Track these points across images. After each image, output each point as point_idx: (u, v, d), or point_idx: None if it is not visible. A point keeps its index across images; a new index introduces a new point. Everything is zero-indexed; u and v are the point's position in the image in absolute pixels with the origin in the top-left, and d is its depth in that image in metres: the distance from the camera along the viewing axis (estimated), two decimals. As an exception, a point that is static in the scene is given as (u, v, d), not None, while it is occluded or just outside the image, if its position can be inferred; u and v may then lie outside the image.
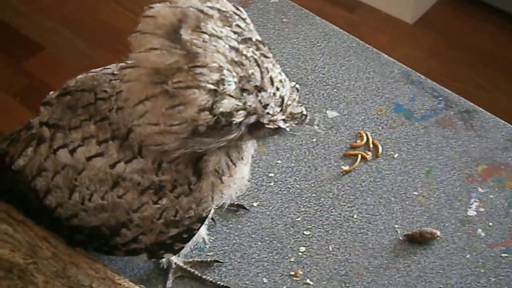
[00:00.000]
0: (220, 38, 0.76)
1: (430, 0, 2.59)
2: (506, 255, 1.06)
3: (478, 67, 2.40)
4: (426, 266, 1.06)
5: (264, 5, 1.41)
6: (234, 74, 0.76)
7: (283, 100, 0.81)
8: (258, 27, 1.36)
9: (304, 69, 1.30)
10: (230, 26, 0.78)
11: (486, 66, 2.40)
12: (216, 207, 0.95)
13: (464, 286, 1.03)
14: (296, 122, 0.84)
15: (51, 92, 0.94)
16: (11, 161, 0.94)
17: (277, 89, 0.80)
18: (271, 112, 0.79)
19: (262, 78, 0.78)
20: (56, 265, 0.91)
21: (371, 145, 1.19)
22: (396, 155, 1.18)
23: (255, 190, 1.14)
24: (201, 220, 0.92)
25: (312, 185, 1.15)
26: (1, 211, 0.94)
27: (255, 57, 0.78)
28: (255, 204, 1.13)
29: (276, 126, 0.81)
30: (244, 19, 0.80)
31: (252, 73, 0.77)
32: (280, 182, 1.15)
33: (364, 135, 1.20)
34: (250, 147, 0.91)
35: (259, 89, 0.77)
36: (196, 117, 0.75)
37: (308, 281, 1.04)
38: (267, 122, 0.80)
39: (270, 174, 1.16)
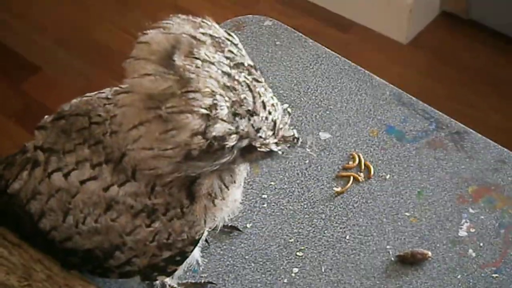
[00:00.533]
0: (212, 63, 0.78)
1: (424, 21, 2.61)
2: (496, 275, 1.07)
3: (472, 86, 2.42)
4: (417, 287, 1.06)
5: (257, 28, 1.43)
6: (227, 98, 0.77)
7: (275, 124, 0.82)
8: (252, 49, 1.38)
9: (297, 91, 1.32)
10: (222, 51, 0.80)
11: (480, 85, 2.42)
12: (209, 230, 0.96)
13: (455, 307, 1.04)
14: (288, 145, 0.85)
15: (46, 116, 0.95)
16: (6, 185, 0.95)
17: (269, 113, 0.81)
18: (263, 136, 0.81)
19: (254, 102, 0.79)
20: (50, 288, 0.92)
21: (363, 167, 1.20)
22: (388, 176, 1.20)
23: (249, 212, 1.15)
24: (194, 243, 0.93)
25: (305, 206, 1.16)
26: (-4, 234, 0.95)
27: (247, 82, 0.79)
28: (248, 225, 1.14)
29: (268, 150, 0.83)
30: (236, 45, 0.82)
31: (245, 98, 0.78)
32: (273, 204, 1.16)
33: (356, 156, 1.22)
34: (242, 171, 0.92)
35: (252, 113, 0.79)
36: (189, 141, 0.76)
37: (301, 302, 1.05)
38: (259, 145, 0.81)
39: (264, 196, 1.17)
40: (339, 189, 1.18)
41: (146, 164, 0.82)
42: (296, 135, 0.85)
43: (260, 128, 0.80)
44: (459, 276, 1.07)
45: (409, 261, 1.09)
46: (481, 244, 1.11)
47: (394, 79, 2.35)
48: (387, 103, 1.30)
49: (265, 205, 1.16)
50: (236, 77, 0.79)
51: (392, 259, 1.10)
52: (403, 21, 2.52)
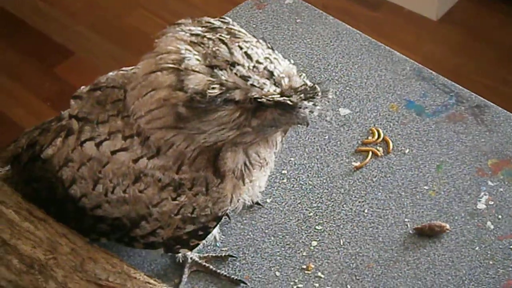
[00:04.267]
0: (182, 30, 0.84)
1: (455, -4, 2.59)
2: (514, 247, 1.08)
3: (506, 62, 2.39)
4: (435, 259, 1.08)
5: (278, 7, 1.44)
6: (195, 52, 0.81)
7: (271, 73, 0.82)
8: (273, 28, 1.40)
9: (317, 68, 1.33)
10: (201, 25, 0.85)
11: (513, 61, 2.39)
12: (231, 210, 0.98)
13: (473, 278, 1.05)
14: (303, 96, 0.82)
15: (82, 87, 0.99)
16: (40, 150, 0.98)
17: (258, 62, 0.82)
18: (256, 85, 0.81)
19: (231, 53, 0.81)
20: (74, 260, 0.95)
21: (383, 141, 1.21)
22: (407, 151, 1.20)
23: (269, 187, 1.17)
24: (217, 219, 0.95)
25: (324, 181, 1.18)
26: (23, 209, 0.99)
27: (221, 38, 0.83)
28: (268, 200, 1.16)
29: (273, 100, 0.81)
30: (226, 23, 0.86)
31: (217, 50, 0.81)
32: (293, 179, 1.18)
33: (376, 131, 1.22)
34: (269, 150, 0.93)
35: (232, 63, 0.81)
36: (167, 96, 0.81)
37: (319, 274, 1.07)
38: (259, 96, 0.81)
39: (283, 171, 1.19)
40: (358, 163, 1.19)
41: (151, 133, 0.86)
42: (309, 83, 0.83)
43: (249, 77, 0.81)
44: (477, 248, 1.08)
45: (427, 234, 1.10)
46: (500, 216, 1.11)
47: (426, 56, 2.36)
48: (407, 78, 1.30)
49: (284, 180, 1.18)
50: (208, 36, 0.83)
51: (410, 232, 1.11)
52: (433, -3, 2.50)
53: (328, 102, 0.77)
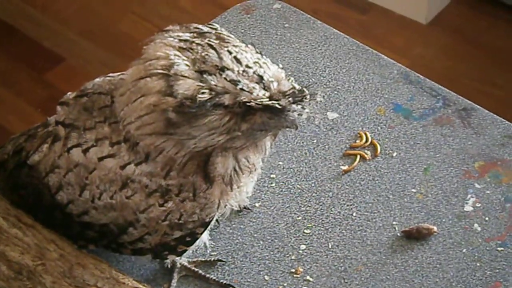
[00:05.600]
0: (171, 36, 0.84)
1: (444, 0, 2.60)
2: (501, 248, 1.08)
3: (495, 65, 2.40)
4: (423, 261, 1.08)
5: (266, 11, 1.45)
6: (184, 58, 0.82)
7: (261, 77, 0.83)
8: (261, 33, 1.40)
9: (305, 72, 1.34)
10: (189, 31, 0.86)
11: (503, 64, 2.40)
12: (219, 216, 0.99)
13: (460, 280, 1.06)
14: (291, 99, 0.83)
15: (69, 93, 0.99)
16: (26, 156, 0.98)
17: (248, 67, 0.83)
18: (246, 89, 0.82)
19: (220, 58, 0.82)
20: (63, 266, 0.95)
21: (370, 145, 1.22)
22: (394, 154, 1.21)
23: (257, 191, 1.17)
24: (204, 225, 0.96)
25: (313, 185, 1.18)
26: (12, 216, 0.99)
27: (211, 43, 0.83)
28: (257, 204, 1.16)
29: (262, 104, 0.82)
30: (214, 28, 0.86)
31: (206, 55, 0.82)
32: (282, 183, 1.19)
33: (364, 135, 1.23)
34: (257, 155, 0.94)
35: (221, 68, 0.82)
36: (157, 102, 0.82)
37: (308, 277, 1.08)
38: (247, 100, 0.82)
39: (272, 175, 1.20)
40: (346, 167, 1.20)
41: (141, 139, 0.86)
42: (297, 87, 0.84)
43: (238, 81, 0.82)
44: (464, 250, 1.09)
45: (415, 236, 1.11)
46: (487, 219, 1.12)
47: (415, 60, 2.37)
48: (394, 81, 1.31)
49: (273, 185, 1.19)
50: (196, 41, 0.83)
51: (398, 234, 1.11)
52: (423, 1, 2.51)
53: (317, 105, 0.79)
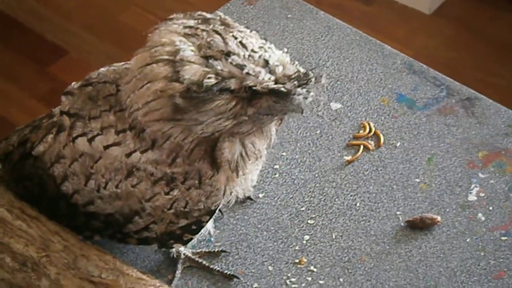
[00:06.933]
0: (175, 23, 0.84)
1: (448, -10, 2.59)
2: (505, 238, 1.08)
3: (498, 55, 2.40)
4: (427, 251, 1.08)
5: (269, 2, 1.44)
6: (189, 43, 0.82)
7: (266, 62, 0.83)
8: (264, 23, 1.40)
9: (308, 63, 1.33)
10: (194, 18, 0.86)
11: (506, 55, 2.39)
12: (224, 204, 0.99)
13: (464, 269, 1.06)
14: (296, 82, 0.83)
15: (74, 83, 0.99)
16: (31, 147, 0.98)
17: (254, 51, 0.83)
18: (252, 73, 0.82)
19: (225, 43, 0.82)
20: (67, 258, 0.95)
21: (374, 135, 1.22)
22: (398, 144, 1.21)
23: (261, 182, 1.17)
24: (210, 213, 0.96)
25: (316, 175, 1.18)
26: (16, 208, 0.99)
27: (216, 28, 0.84)
28: (261, 195, 1.16)
29: (268, 88, 0.82)
30: (219, 15, 0.87)
31: (211, 40, 0.82)
32: (285, 174, 1.19)
33: (367, 125, 1.23)
34: (263, 141, 0.94)
35: (227, 53, 0.82)
36: (164, 88, 0.82)
37: (312, 268, 1.08)
38: (253, 84, 0.82)
39: (276, 166, 1.20)
40: (349, 157, 1.20)
41: (148, 126, 0.86)
42: (302, 70, 0.84)
43: (244, 66, 0.82)
44: (468, 240, 1.09)
45: (419, 226, 1.11)
46: (491, 208, 1.12)
47: (419, 50, 2.37)
48: (398, 71, 1.31)
49: (277, 175, 1.18)
50: (201, 27, 0.84)
51: (402, 224, 1.12)
52: (426, -9, 2.50)
53: (321, 89, 0.79)
